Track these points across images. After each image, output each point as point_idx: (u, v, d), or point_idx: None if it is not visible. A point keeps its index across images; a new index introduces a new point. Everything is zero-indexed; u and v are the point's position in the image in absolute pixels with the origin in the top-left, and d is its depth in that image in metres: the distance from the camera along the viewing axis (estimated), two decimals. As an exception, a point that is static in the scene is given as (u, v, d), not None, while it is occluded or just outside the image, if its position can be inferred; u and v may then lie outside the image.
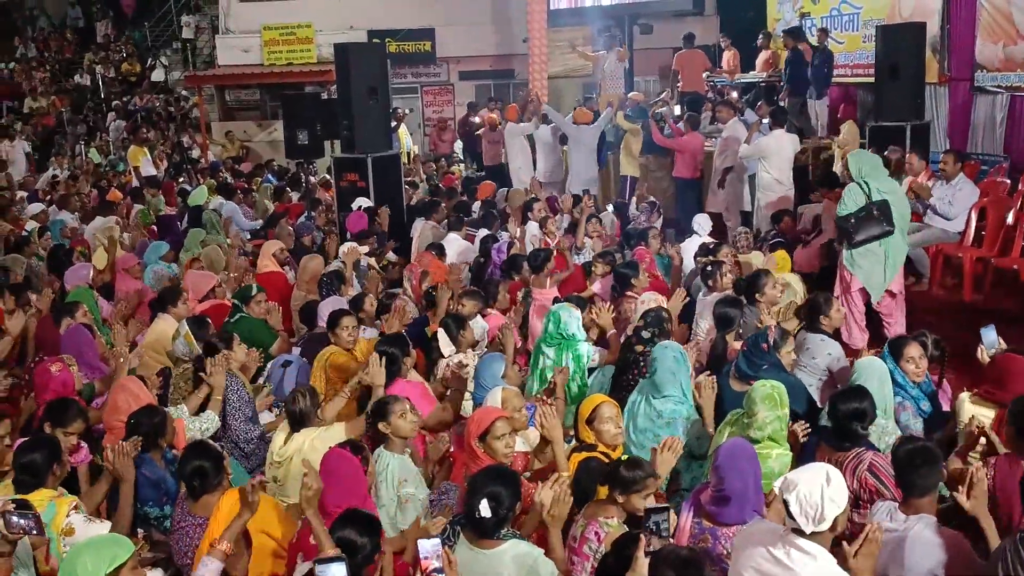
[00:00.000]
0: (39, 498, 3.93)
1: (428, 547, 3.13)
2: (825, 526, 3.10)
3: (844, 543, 3.17)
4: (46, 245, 9.96)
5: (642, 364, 5.31)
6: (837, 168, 10.22)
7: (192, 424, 5.04)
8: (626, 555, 3.00)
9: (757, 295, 6.16)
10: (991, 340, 5.08)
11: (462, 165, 15.71)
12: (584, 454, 4.29)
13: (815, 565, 3.08)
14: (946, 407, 5.04)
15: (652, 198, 10.31)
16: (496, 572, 3.43)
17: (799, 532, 3.13)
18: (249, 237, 10.85)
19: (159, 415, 4.62)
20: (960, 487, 3.47)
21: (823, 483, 3.10)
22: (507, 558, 3.44)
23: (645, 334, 5.46)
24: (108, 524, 4.01)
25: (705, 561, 3.00)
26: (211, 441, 4.64)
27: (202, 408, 5.28)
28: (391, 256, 9.19)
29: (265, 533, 3.78)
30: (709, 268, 6.68)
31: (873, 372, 4.73)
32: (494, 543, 3.48)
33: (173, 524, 4.07)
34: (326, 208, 11.03)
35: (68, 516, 3.88)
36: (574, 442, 4.58)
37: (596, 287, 7.24)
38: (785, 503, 3.12)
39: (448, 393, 5.43)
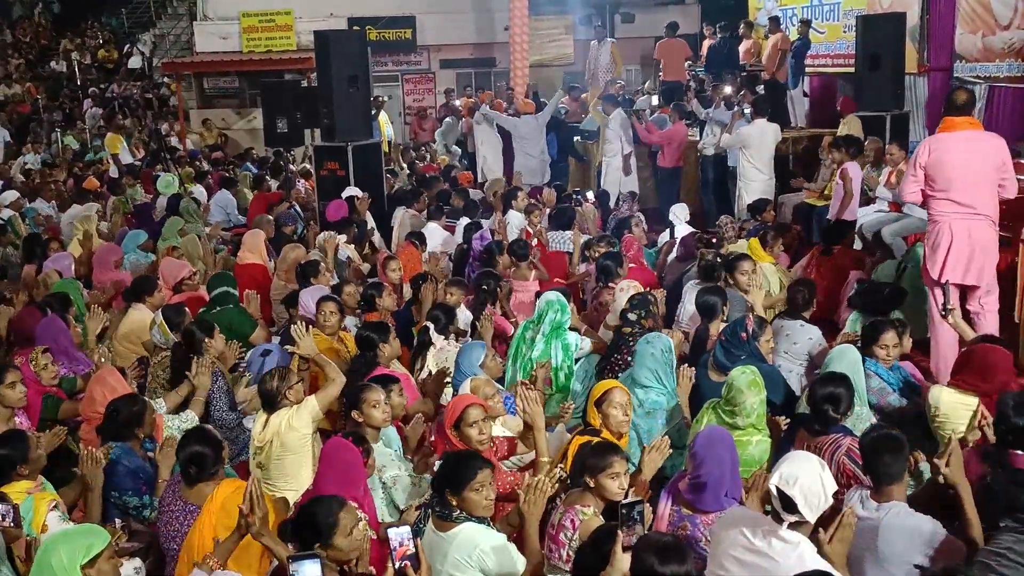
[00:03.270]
0: (16, 490, 3.90)
1: (399, 534, 3.14)
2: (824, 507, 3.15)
3: (820, 529, 3.19)
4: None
5: (631, 344, 5.33)
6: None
7: (171, 423, 4.98)
8: (604, 550, 3.00)
9: (737, 274, 6.22)
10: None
11: (448, 155, 15.68)
12: (587, 437, 4.28)
13: (796, 553, 3.09)
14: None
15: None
16: (445, 554, 3.45)
17: (781, 521, 3.14)
18: (232, 226, 10.78)
19: (139, 404, 4.58)
20: (937, 459, 3.52)
21: (820, 471, 3.18)
22: (455, 541, 3.46)
23: (632, 316, 5.52)
24: None
25: (687, 548, 3.00)
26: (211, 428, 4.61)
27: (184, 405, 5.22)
28: (376, 240, 9.13)
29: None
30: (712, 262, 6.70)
31: (845, 360, 4.76)
32: (449, 525, 3.51)
33: (162, 506, 4.04)
34: (305, 197, 10.97)
35: (50, 509, 3.85)
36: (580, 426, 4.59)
37: (582, 268, 7.25)
38: (787, 499, 3.13)
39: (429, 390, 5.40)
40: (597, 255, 7.16)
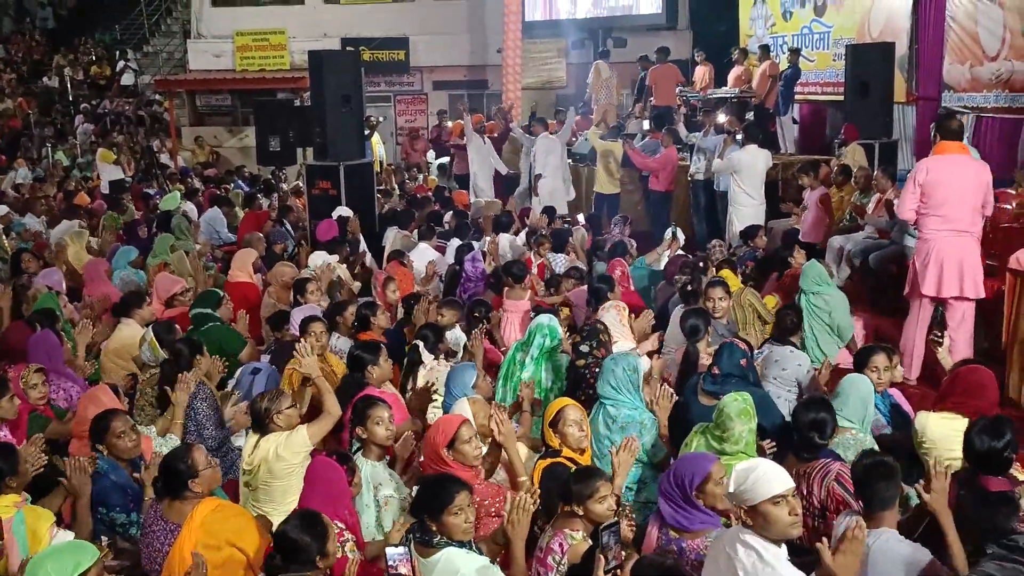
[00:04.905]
0: (3, 504, 3.86)
1: (395, 555, 3.13)
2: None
3: (818, 544, 3.17)
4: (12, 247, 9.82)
5: (589, 378, 5.34)
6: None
7: (159, 448, 4.93)
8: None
9: (705, 300, 6.36)
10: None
11: (436, 175, 15.73)
12: (549, 460, 4.28)
13: (755, 559, 3.09)
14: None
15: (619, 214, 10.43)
16: None
17: (750, 528, 3.16)
18: (221, 243, 10.77)
19: (104, 421, 4.48)
20: (922, 483, 3.54)
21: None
22: (436, 568, 3.45)
23: (583, 348, 5.49)
24: None
25: (685, 571, 3.01)
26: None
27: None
28: (368, 260, 9.14)
29: (234, 546, 3.71)
30: (690, 286, 6.74)
31: (857, 388, 4.79)
32: (430, 551, 3.49)
33: (144, 527, 4.01)
34: (297, 216, 10.98)
35: (52, 536, 3.79)
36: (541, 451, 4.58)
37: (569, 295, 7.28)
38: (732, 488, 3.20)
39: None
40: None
